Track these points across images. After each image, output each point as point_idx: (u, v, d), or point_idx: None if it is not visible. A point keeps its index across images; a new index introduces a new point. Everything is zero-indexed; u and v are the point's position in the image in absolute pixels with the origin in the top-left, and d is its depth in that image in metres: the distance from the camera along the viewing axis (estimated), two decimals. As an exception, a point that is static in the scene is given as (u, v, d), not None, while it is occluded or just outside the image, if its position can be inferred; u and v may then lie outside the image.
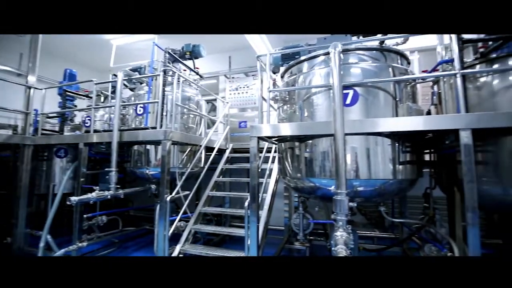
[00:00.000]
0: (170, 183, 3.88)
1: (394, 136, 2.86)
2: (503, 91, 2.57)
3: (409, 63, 3.34)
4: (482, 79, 2.70)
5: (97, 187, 4.00)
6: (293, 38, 5.87)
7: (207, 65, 6.85)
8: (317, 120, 3.04)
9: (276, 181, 4.40)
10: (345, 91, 2.82)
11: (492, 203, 2.65)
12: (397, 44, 3.43)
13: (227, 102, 6.07)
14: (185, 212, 4.09)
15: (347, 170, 2.67)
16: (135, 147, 4.76)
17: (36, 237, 4.68)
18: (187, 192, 4.21)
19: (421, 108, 3.07)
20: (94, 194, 3.83)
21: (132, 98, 5.03)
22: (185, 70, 5.31)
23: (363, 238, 5.14)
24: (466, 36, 2.81)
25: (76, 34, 6.24)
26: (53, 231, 4.54)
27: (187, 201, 4.11)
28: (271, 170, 4.36)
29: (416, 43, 5.15)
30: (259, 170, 3.34)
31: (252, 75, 6.53)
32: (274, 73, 4.02)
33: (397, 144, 2.89)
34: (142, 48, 7.37)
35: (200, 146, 4.69)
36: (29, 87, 5.21)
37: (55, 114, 5.89)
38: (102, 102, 6.42)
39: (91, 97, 5.54)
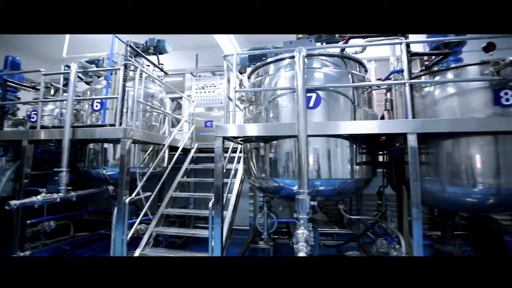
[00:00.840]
0: (130, 184, 3.67)
1: (352, 138, 3.06)
2: (442, 100, 2.91)
3: (366, 71, 3.60)
4: (426, 89, 3.03)
5: (44, 189, 3.61)
6: (261, 40, 5.95)
7: (172, 62, 6.61)
8: (282, 121, 3.12)
9: (241, 181, 4.41)
10: (308, 94, 2.95)
11: (433, 199, 2.98)
12: (356, 52, 3.68)
13: (193, 101, 5.93)
14: (146, 214, 3.90)
15: (309, 170, 2.79)
16: (91, 145, 4.40)
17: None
18: (148, 193, 4.02)
19: (376, 113, 3.34)
20: (39, 197, 3.46)
21: (88, 93, 4.65)
22: (148, 66, 5.07)
23: (324, 235, 5.40)
24: (414, 50, 3.12)
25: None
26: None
27: (149, 203, 3.92)
28: (236, 170, 4.36)
29: (373, 53, 5.55)
30: (224, 171, 3.32)
31: (220, 75, 6.47)
32: (241, 73, 4.03)
33: (354, 146, 3.10)
34: (101, 39, 6.83)
35: (163, 145, 4.51)
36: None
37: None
38: (52, 95, 5.82)
39: (38, 89, 4.99)
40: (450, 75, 2.93)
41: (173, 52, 5.32)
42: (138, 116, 4.12)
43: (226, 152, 4.20)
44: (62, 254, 4.80)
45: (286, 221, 4.70)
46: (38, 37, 7.15)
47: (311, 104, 2.99)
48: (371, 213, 4.58)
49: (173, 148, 4.95)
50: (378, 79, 4.86)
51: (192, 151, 5.50)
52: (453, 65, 2.97)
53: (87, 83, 5.28)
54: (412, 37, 3.29)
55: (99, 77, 5.00)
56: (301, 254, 2.20)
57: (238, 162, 4.40)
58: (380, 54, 5.54)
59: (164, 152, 4.47)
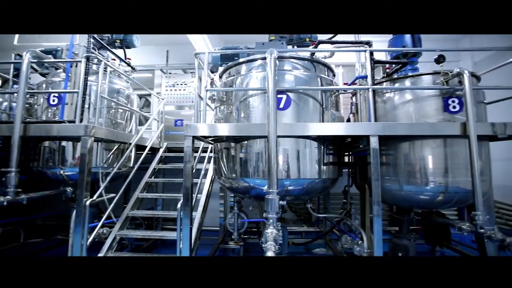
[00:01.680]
0: (91, 185, 3.43)
1: (320, 140, 3.19)
2: (401, 105, 3.15)
3: (334, 75, 3.77)
4: (387, 95, 3.26)
5: (-12, 191, 3.23)
6: (233, 40, 5.94)
7: (141, 57, 6.33)
8: (253, 121, 3.14)
9: (212, 182, 4.36)
10: (279, 96, 3.00)
11: (392, 197, 3.22)
12: (325, 57, 3.84)
13: (163, 99, 5.72)
14: (109, 217, 3.67)
15: (278, 170, 2.85)
16: (46, 143, 4.03)
17: None
18: (112, 195, 3.79)
19: (342, 116, 3.51)
20: (-18, 201, 3.08)
21: (44, 85, 4.26)
22: (114, 60, 4.79)
23: (293, 234, 5.53)
24: (377, 57, 3.34)
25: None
26: None
27: (112, 205, 3.70)
28: (206, 170, 4.30)
29: (340, 59, 5.81)
30: (194, 171, 3.26)
31: (191, 73, 6.32)
32: (213, 72, 3.98)
33: (322, 147, 3.22)
34: (60, 28, 6.31)
35: (130, 144, 4.29)
36: None
37: None
38: (0, 87, 5.25)
39: (-17, 80, 4.47)
40: (407, 83, 3.19)
41: (142, 47, 5.09)
42: (102, 113, 3.87)
43: (196, 151, 4.12)
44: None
45: (256, 221, 4.73)
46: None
47: (281, 106, 3.05)
48: (338, 211, 4.81)
49: (140, 147, 4.72)
50: (345, 84, 5.11)
51: (161, 150, 5.31)
52: (410, 74, 3.25)
53: (43, 74, 4.82)
54: (375, 46, 3.52)
55: (57, 69, 4.60)
56: (270, 253, 2.23)
57: (209, 162, 4.34)
58: (347, 60, 5.83)
59: (131, 151, 4.25)
